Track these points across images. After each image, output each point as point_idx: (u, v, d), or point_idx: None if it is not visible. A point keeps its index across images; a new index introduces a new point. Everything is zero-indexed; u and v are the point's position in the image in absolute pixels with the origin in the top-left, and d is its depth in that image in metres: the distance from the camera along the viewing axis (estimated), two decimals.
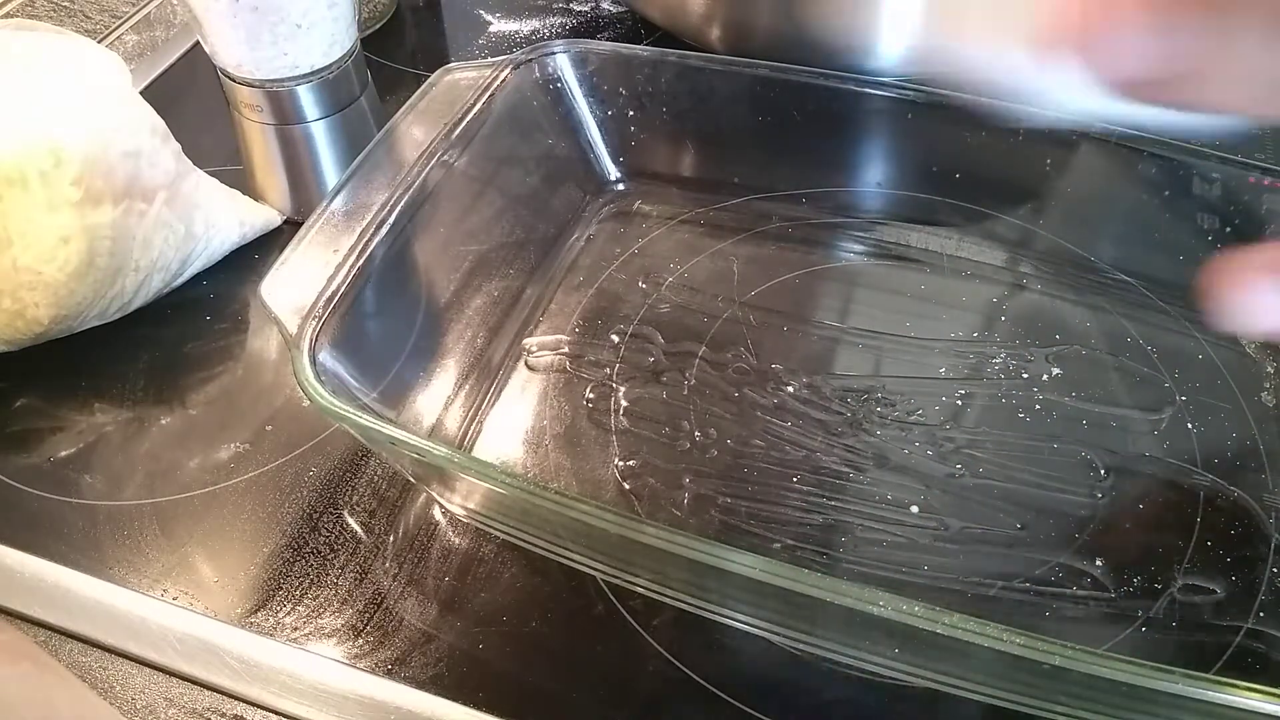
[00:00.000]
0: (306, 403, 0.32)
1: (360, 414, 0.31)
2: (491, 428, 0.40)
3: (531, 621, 0.34)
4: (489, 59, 0.46)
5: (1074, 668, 0.25)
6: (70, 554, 0.36)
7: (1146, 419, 0.40)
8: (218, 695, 0.33)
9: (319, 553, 0.36)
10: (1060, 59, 0.17)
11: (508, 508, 0.34)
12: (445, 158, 0.42)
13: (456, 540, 0.37)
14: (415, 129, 0.42)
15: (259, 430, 0.40)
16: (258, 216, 0.48)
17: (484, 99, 0.44)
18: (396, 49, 0.62)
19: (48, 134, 0.39)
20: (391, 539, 0.37)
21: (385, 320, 0.39)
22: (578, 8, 0.65)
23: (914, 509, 0.37)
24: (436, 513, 0.38)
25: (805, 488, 0.38)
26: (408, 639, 0.34)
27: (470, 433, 0.40)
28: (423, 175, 0.40)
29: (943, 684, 0.31)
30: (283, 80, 0.45)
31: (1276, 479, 0.38)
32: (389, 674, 0.33)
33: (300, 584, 0.35)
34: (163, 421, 0.41)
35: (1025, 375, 0.41)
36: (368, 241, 0.37)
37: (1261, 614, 0.34)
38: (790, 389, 0.41)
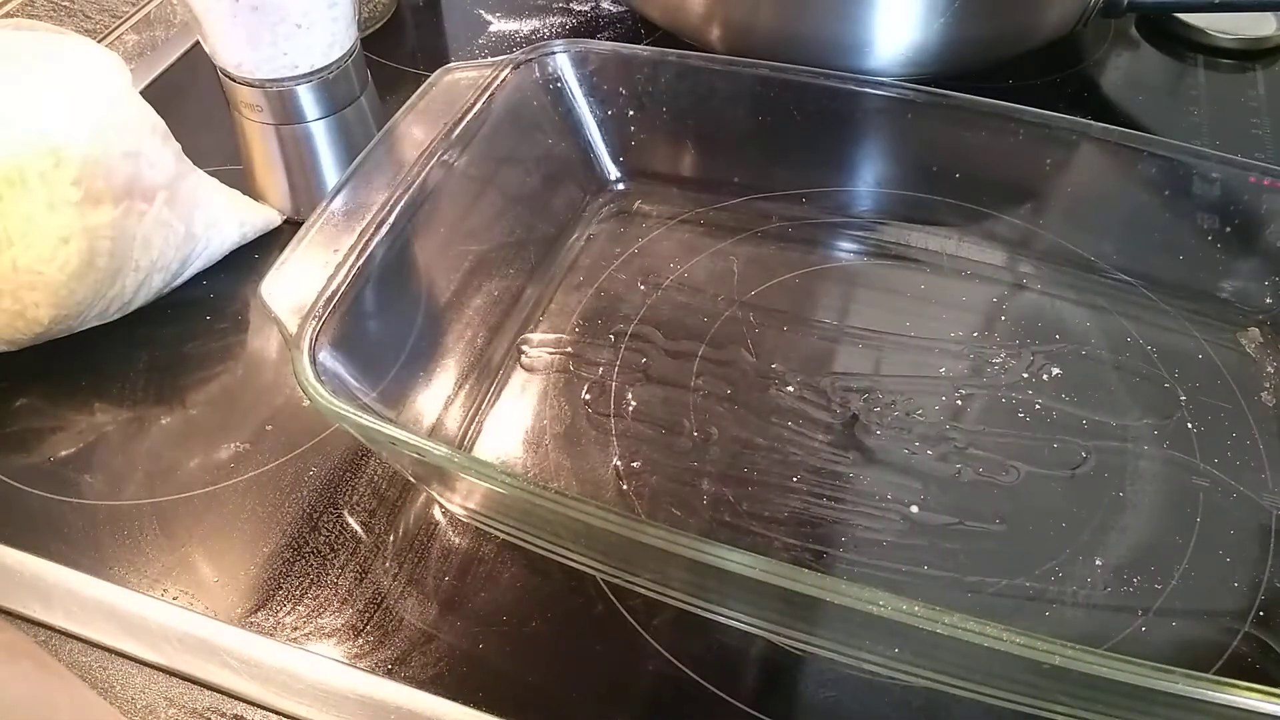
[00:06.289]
0: (306, 403, 0.32)
1: (360, 414, 0.31)
2: (491, 428, 0.40)
3: (531, 621, 0.34)
4: (489, 59, 0.46)
5: (1074, 668, 0.25)
6: (70, 554, 0.36)
7: (1146, 419, 0.40)
8: (218, 695, 0.33)
9: (319, 553, 0.36)
10: None
11: (508, 508, 0.34)
12: (445, 158, 0.42)
13: (456, 540, 0.37)
14: (415, 129, 0.42)
15: (259, 430, 0.40)
16: (258, 216, 0.48)
17: (484, 99, 0.44)
18: (396, 49, 0.62)
19: (48, 134, 0.39)
20: (391, 539, 0.37)
21: (385, 320, 0.39)
22: (578, 7, 0.65)
23: (914, 509, 0.37)
24: (436, 513, 0.38)
25: (805, 487, 0.38)
26: (408, 639, 0.34)
27: (470, 433, 0.40)
28: (423, 175, 0.40)
29: (943, 684, 0.31)
30: (283, 80, 0.45)
31: (1276, 479, 0.38)
32: (389, 674, 0.33)
33: (300, 584, 0.35)
34: (163, 421, 0.41)
35: (1025, 375, 0.41)
36: (368, 241, 0.37)
37: (1261, 614, 0.34)
38: (790, 389, 0.41)
